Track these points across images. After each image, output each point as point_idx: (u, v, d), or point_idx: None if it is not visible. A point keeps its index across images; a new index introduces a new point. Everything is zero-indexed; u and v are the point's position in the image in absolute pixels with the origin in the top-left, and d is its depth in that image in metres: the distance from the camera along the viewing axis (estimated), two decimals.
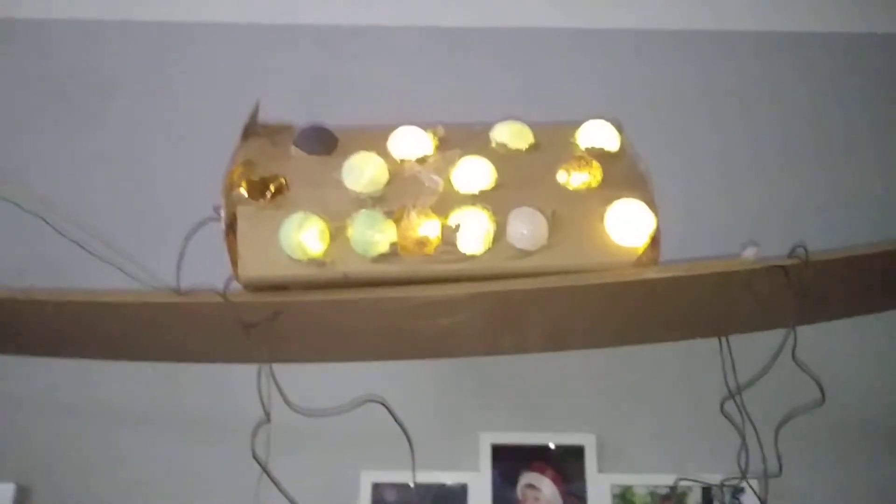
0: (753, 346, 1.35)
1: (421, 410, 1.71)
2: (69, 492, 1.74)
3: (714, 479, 1.62)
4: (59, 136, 1.98)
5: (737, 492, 1.69)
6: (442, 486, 1.76)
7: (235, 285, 1.25)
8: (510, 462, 1.77)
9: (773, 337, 1.30)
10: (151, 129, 1.99)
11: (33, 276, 1.66)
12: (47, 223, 1.49)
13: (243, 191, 1.25)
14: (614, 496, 1.75)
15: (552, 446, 1.79)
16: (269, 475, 1.34)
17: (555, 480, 1.76)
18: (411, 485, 1.66)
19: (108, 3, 2.03)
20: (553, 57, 2.06)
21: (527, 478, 1.77)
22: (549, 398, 1.83)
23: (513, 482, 1.76)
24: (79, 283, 1.43)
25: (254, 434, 1.29)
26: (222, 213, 1.24)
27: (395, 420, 1.46)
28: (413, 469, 1.47)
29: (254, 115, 1.36)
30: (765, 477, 1.34)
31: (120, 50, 2.05)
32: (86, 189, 1.91)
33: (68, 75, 2.03)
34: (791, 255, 1.23)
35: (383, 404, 1.47)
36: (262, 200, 1.25)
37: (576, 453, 1.78)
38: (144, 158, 1.96)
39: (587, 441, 1.78)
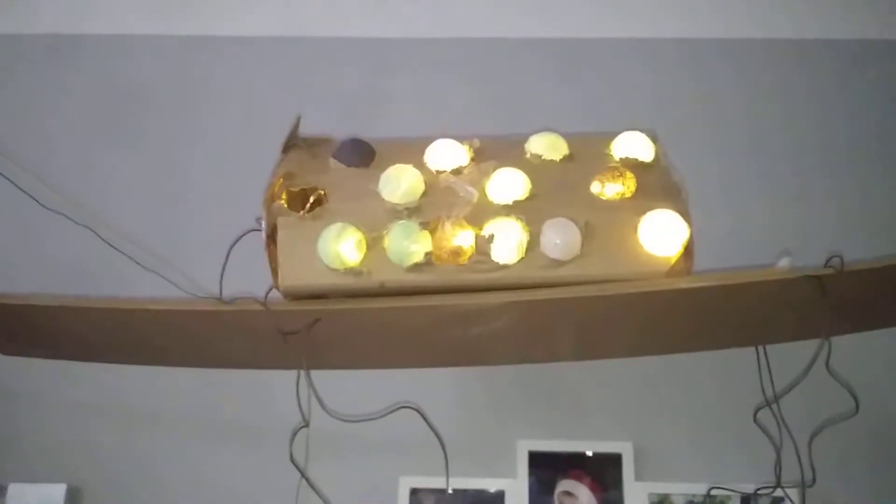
0: (787, 356, 1.35)
1: (459, 417, 1.74)
2: (117, 493, 1.79)
3: (750, 487, 1.61)
4: (108, 150, 2.03)
5: (777, 500, 1.68)
6: (479, 493, 1.77)
7: (275, 294, 1.29)
8: (547, 469, 1.78)
9: (806, 347, 1.30)
10: (196, 143, 2.03)
11: (83, 285, 1.71)
12: (97, 235, 1.54)
13: (283, 202, 1.29)
14: None
15: (589, 454, 1.79)
16: (307, 479, 1.37)
17: (592, 488, 1.76)
18: (449, 491, 1.67)
19: (155, 20, 2.08)
20: (589, 68, 2.07)
21: (564, 485, 1.77)
22: (587, 406, 1.84)
23: (550, 489, 1.77)
24: (126, 291, 1.48)
25: (292, 439, 1.32)
26: (263, 224, 1.28)
27: (429, 426, 1.48)
28: (447, 475, 1.48)
29: (294, 129, 1.39)
30: (802, 486, 1.33)
31: (164, 65, 2.10)
32: (133, 201, 1.97)
33: (116, 91, 2.08)
34: (826, 265, 1.22)
35: (417, 410, 1.49)
36: (301, 212, 1.28)
37: (613, 461, 1.78)
38: (189, 171, 2.01)
39: (624, 449, 1.78)
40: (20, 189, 1.66)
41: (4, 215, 1.93)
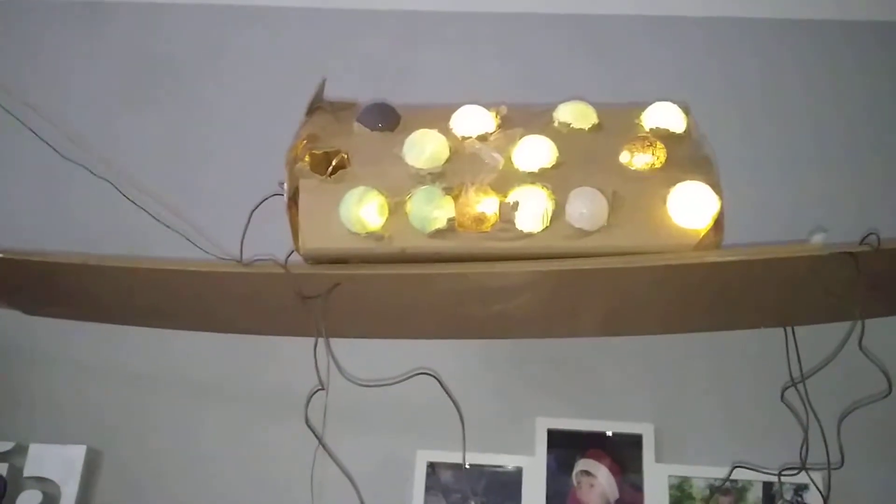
0: (818, 336, 1.32)
1: (479, 393, 1.72)
2: (136, 455, 1.80)
3: (774, 469, 1.58)
4: (134, 112, 2.03)
5: (800, 488, 1.65)
6: (497, 469, 1.76)
7: (296, 257, 1.28)
8: (566, 448, 1.76)
9: (838, 327, 1.27)
10: (220, 108, 2.03)
11: (103, 243, 1.72)
12: (117, 189, 1.54)
13: (306, 164, 1.28)
14: (671, 487, 1.72)
15: (609, 434, 1.77)
16: (322, 444, 1.36)
17: (611, 468, 1.74)
18: (466, 465, 1.66)
19: None
20: (619, 43, 2.04)
21: (582, 464, 1.76)
22: (608, 385, 1.81)
23: (568, 468, 1.75)
24: (145, 251, 1.48)
25: (307, 401, 1.31)
26: (285, 187, 1.26)
27: (446, 392, 1.47)
28: (463, 446, 1.47)
29: (319, 91, 1.38)
30: (828, 468, 1.30)
31: (191, 31, 2.10)
32: (156, 162, 1.96)
33: (143, 55, 2.09)
34: (862, 242, 1.18)
35: (434, 376, 1.48)
36: (324, 174, 1.27)
37: (633, 442, 1.76)
38: (212, 135, 2.01)
39: (645, 430, 1.76)
40: (43, 140, 1.65)
41: (28, 170, 1.94)
